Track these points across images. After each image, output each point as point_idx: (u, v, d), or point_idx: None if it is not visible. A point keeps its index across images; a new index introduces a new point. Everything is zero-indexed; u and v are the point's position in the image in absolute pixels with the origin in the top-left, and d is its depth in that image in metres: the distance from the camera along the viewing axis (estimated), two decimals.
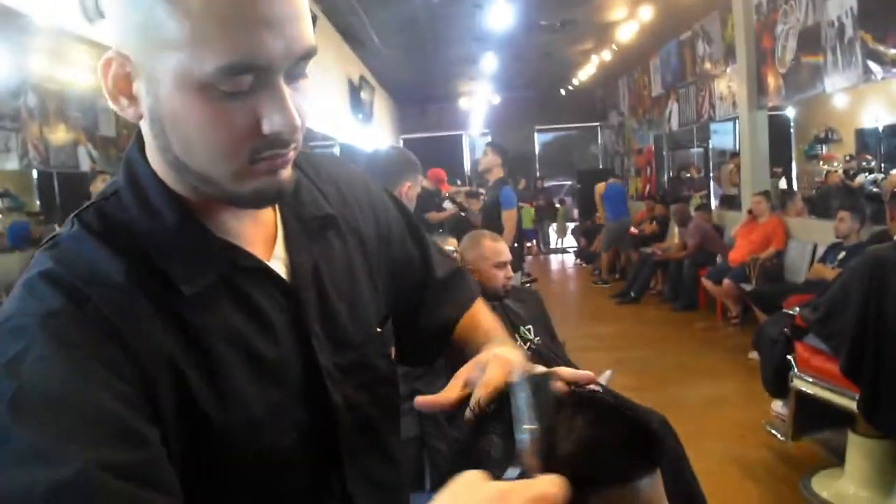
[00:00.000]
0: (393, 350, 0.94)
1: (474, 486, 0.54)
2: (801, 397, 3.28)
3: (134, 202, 0.73)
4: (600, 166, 13.84)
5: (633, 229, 9.73)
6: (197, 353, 0.71)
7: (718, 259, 7.05)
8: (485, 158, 5.65)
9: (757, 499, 3.21)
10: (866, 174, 8.15)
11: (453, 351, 0.99)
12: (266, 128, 0.66)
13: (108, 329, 0.66)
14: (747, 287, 6.00)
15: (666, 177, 11.14)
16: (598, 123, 14.28)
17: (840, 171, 8.36)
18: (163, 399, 0.67)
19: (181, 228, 0.73)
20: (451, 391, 0.75)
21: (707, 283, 6.72)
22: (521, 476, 0.56)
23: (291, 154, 0.71)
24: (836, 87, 5.50)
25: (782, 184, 9.07)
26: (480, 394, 0.71)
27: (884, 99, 8.58)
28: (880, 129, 8.93)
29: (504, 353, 0.76)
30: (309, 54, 0.67)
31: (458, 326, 0.98)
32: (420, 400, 0.74)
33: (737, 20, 6.90)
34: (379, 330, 0.89)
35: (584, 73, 11.50)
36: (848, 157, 8.74)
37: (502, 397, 0.66)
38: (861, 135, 9.31)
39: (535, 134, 14.46)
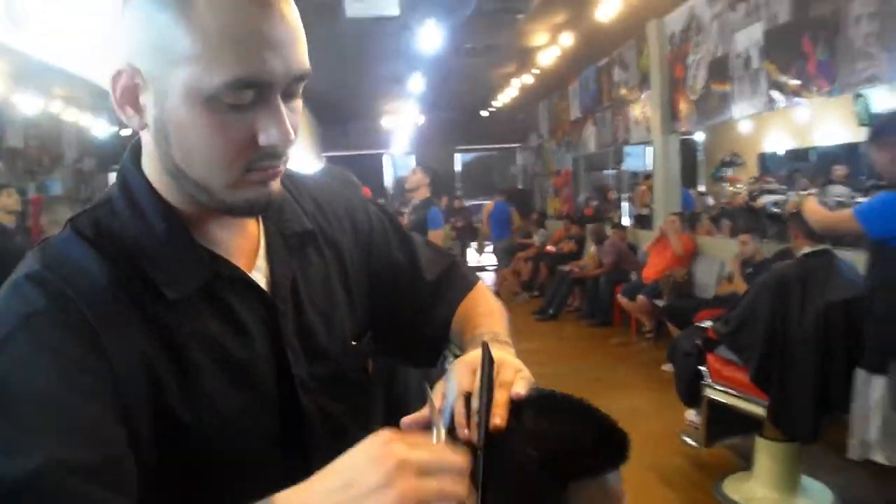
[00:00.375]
0: (370, 363, 0.96)
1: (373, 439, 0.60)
2: (713, 406, 3.45)
3: (126, 210, 0.78)
4: (520, 186, 14.14)
5: (550, 247, 9.99)
6: (173, 355, 0.74)
7: (633, 276, 7.31)
8: (413, 177, 5.71)
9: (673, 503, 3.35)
10: (768, 195, 8.62)
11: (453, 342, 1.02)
12: (262, 140, 0.72)
13: (87, 332, 0.69)
14: (660, 303, 6.25)
15: (582, 196, 11.49)
16: (518, 145, 14.60)
17: (745, 193, 8.82)
18: (137, 401, 0.70)
19: (169, 237, 0.77)
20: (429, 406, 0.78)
21: (622, 299, 6.95)
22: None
23: (282, 167, 0.76)
24: (743, 114, 5.83)
25: (709, 200, 9.52)
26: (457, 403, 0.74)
27: (784, 125, 9.14)
28: (781, 153, 9.50)
29: (468, 358, 0.80)
30: (304, 76, 0.74)
31: (454, 321, 1.01)
32: (405, 420, 0.76)
33: (651, 50, 7.23)
34: (354, 343, 0.92)
35: (506, 96, 11.76)
36: (752, 180, 9.24)
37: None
38: (763, 159, 9.88)
39: (457, 154, 14.66)
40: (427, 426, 0.73)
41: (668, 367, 5.24)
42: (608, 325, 7.48)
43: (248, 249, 0.84)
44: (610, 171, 11.11)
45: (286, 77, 0.71)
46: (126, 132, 10.85)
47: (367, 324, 0.96)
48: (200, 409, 0.75)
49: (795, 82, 4.84)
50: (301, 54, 0.73)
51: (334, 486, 0.58)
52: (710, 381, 3.48)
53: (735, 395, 3.34)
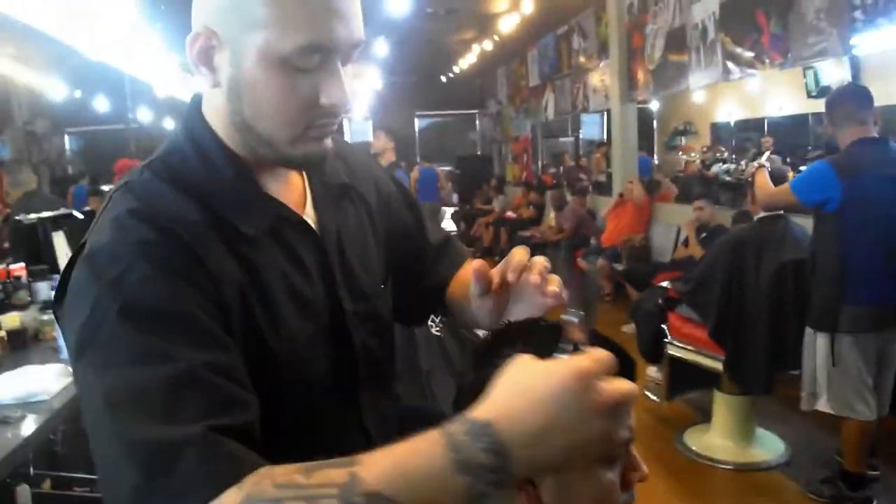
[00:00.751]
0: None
1: (526, 366, 0.61)
2: (674, 362, 3.66)
3: (195, 158, 0.86)
4: (479, 152, 14.23)
5: (510, 213, 10.16)
6: (257, 285, 0.83)
7: (592, 241, 7.52)
8: (378, 142, 5.79)
9: (638, 455, 3.55)
10: (720, 164, 8.92)
11: (449, 307, 1.13)
12: (324, 100, 0.81)
13: (192, 256, 0.77)
14: (619, 267, 6.47)
15: (540, 164, 11.64)
16: (476, 111, 14.65)
17: (698, 162, 9.09)
18: (234, 319, 0.79)
19: (237, 181, 0.86)
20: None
21: (582, 263, 7.17)
22: (575, 351, 0.65)
23: (335, 126, 0.86)
24: (699, 84, 6.01)
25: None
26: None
27: (736, 96, 9.41)
28: (732, 123, 9.78)
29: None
30: (361, 44, 0.83)
31: (450, 287, 1.13)
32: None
33: (610, 19, 7.35)
34: (383, 287, 1.04)
35: (465, 62, 11.79)
36: (704, 149, 9.52)
37: (501, 332, 0.80)
38: (715, 128, 10.16)
39: (416, 119, 14.65)
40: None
41: (628, 328, 5.45)
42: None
43: (296, 199, 0.93)
44: (568, 139, 11.29)
45: (348, 44, 0.80)
46: (78, 94, 10.56)
47: (388, 273, 1.07)
48: (280, 334, 0.84)
49: (749, 54, 5.02)
50: (360, 24, 0.81)
51: (563, 438, 0.59)
52: (670, 338, 3.68)
53: (694, 352, 3.55)
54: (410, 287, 1.12)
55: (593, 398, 0.58)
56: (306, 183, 0.96)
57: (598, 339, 0.80)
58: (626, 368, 0.78)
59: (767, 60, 4.85)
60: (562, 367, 0.59)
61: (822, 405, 2.93)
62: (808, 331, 2.95)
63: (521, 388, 0.60)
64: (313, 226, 0.93)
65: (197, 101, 0.89)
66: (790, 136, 8.58)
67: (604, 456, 0.62)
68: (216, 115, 0.86)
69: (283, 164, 0.87)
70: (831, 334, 2.83)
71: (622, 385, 0.60)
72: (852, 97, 2.96)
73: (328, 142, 0.86)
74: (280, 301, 0.85)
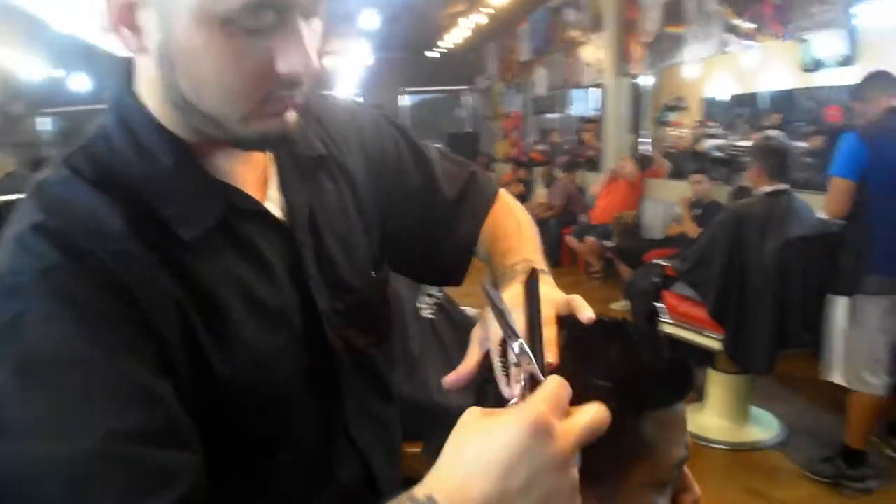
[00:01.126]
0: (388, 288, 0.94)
1: (471, 426, 0.51)
2: (669, 341, 3.57)
3: (126, 144, 0.70)
4: (468, 129, 14.04)
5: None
6: (200, 298, 0.69)
7: (581, 218, 7.40)
8: None
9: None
10: (711, 140, 8.80)
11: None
12: (282, 67, 0.64)
13: (111, 281, 0.62)
14: (609, 244, 6.36)
15: (532, 140, 11.48)
16: (466, 87, 14.43)
17: (689, 137, 8.97)
18: (173, 346, 0.66)
19: (177, 170, 0.70)
20: (470, 357, 0.73)
21: (571, 240, 7.06)
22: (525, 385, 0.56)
23: (300, 98, 0.69)
24: (696, 57, 5.89)
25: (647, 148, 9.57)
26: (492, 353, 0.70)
27: (729, 71, 9.28)
28: (724, 98, 9.65)
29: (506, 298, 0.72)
30: None
31: (481, 238, 0.97)
32: (448, 380, 0.72)
33: None
34: (373, 272, 0.89)
35: (454, 37, 11.57)
36: (695, 124, 9.39)
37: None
38: (706, 103, 10.03)
39: (404, 97, 14.41)
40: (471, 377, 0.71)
41: (617, 306, 5.38)
42: (557, 267, 7.60)
43: (257, 179, 0.77)
44: (555, 115, 11.11)
45: None
46: (59, 74, 10.26)
47: (382, 250, 0.92)
48: (232, 352, 0.70)
49: (750, 25, 4.90)
50: None
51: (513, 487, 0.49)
52: (666, 317, 3.59)
53: (690, 330, 3.46)
54: (434, 250, 0.97)
55: (550, 451, 0.48)
56: (271, 157, 0.80)
57: (653, 341, 0.68)
58: (683, 372, 0.67)
59: (768, 32, 4.73)
60: (508, 425, 0.49)
61: (836, 376, 2.91)
62: (831, 298, 2.95)
63: (465, 453, 0.50)
64: (279, 211, 0.78)
65: (126, 72, 0.72)
66: (783, 111, 8.46)
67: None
68: (149, 88, 0.70)
69: (236, 145, 0.71)
70: (852, 296, 2.81)
71: (584, 417, 0.51)
72: (885, 74, 2.92)
73: (290, 115, 0.69)
74: (232, 314, 0.71)
